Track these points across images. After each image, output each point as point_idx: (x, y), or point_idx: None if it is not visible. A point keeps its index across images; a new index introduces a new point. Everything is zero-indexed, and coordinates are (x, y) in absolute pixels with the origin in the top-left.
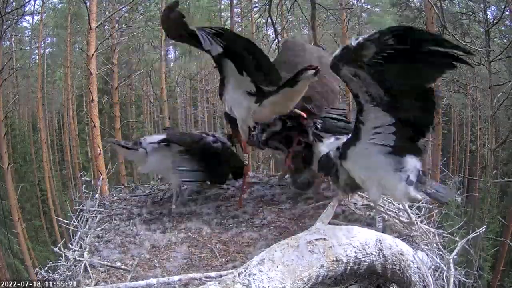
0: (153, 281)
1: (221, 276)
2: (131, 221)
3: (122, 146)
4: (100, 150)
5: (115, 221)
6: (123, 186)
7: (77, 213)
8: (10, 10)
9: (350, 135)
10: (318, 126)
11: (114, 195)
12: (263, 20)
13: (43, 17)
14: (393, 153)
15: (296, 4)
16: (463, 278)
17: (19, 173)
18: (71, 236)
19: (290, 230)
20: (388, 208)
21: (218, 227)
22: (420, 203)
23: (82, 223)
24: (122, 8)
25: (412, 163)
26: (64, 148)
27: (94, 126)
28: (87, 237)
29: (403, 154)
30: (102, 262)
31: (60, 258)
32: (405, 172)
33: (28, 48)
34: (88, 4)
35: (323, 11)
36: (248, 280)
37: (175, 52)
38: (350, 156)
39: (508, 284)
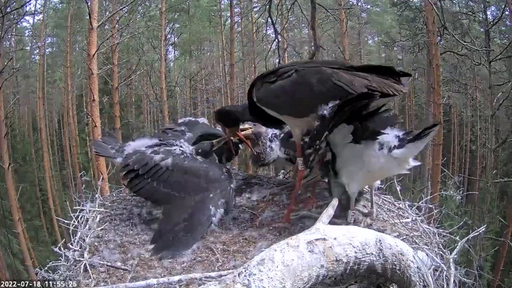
0: (153, 281)
1: (221, 276)
2: (131, 221)
3: (97, 153)
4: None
5: (115, 221)
6: (123, 186)
7: (77, 213)
8: (10, 10)
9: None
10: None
11: (114, 195)
12: (263, 20)
13: (43, 17)
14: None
15: (296, 4)
16: (463, 278)
17: (19, 173)
18: (71, 236)
19: (290, 230)
20: (388, 208)
21: (218, 227)
22: (420, 202)
23: (82, 223)
24: (122, 8)
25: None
26: (64, 148)
27: (95, 126)
28: (87, 237)
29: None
30: (102, 262)
31: (60, 258)
32: (387, 144)
33: (28, 48)
34: (89, 3)
35: (323, 11)
36: (248, 280)
37: (175, 52)
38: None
39: (508, 284)
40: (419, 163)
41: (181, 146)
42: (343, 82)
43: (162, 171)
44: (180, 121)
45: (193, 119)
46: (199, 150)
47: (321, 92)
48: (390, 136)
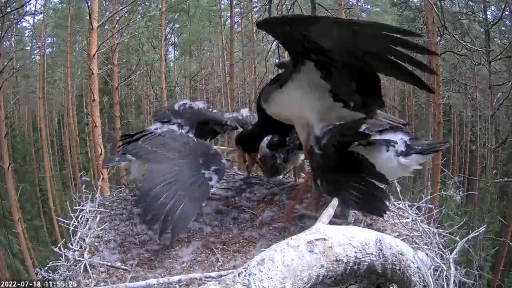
0: (153, 281)
1: (221, 276)
2: (131, 221)
3: (109, 165)
4: (101, 150)
5: (115, 221)
6: (124, 186)
7: (77, 213)
8: (10, 10)
9: None
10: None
11: (114, 195)
12: None
13: (44, 17)
14: None
15: (296, 4)
16: (463, 278)
17: (19, 173)
18: (71, 236)
19: (290, 230)
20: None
21: (218, 227)
22: (420, 203)
23: (82, 223)
24: (122, 8)
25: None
26: (64, 148)
27: (95, 126)
28: (87, 237)
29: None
30: (102, 262)
31: (60, 258)
32: (393, 149)
33: (28, 48)
34: (89, 3)
35: (323, 11)
36: (248, 280)
37: (175, 52)
38: None
39: (508, 284)
40: (421, 167)
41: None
42: None
43: (153, 136)
44: (176, 107)
45: (188, 105)
46: None
47: None
48: (396, 139)
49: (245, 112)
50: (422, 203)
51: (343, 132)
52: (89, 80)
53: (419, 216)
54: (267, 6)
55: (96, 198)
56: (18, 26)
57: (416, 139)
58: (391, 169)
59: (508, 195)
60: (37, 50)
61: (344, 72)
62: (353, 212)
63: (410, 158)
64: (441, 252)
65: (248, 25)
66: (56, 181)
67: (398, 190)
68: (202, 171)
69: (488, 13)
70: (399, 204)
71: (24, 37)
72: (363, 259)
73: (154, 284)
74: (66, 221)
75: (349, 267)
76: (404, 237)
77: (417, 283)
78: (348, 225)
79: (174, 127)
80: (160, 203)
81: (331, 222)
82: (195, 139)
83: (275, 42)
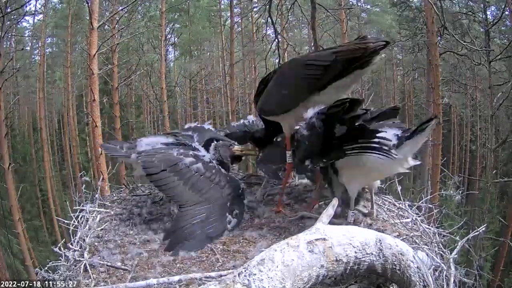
0: (153, 281)
1: (221, 276)
2: (131, 221)
3: (112, 155)
4: (101, 150)
5: (115, 221)
6: (124, 186)
7: (77, 213)
8: (10, 10)
9: None
10: None
11: (114, 195)
12: (263, 20)
13: (44, 17)
14: None
15: (296, 4)
16: (463, 278)
17: (19, 173)
18: (71, 236)
19: (290, 230)
20: (388, 208)
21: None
22: (420, 202)
23: (82, 223)
24: (122, 8)
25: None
26: (64, 148)
27: (96, 126)
28: (87, 237)
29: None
30: (102, 262)
31: (60, 258)
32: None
33: (28, 48)
34: (89, 4)
35: (323, 11)
36: (248, 280)
37: (175, 52)
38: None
39: (508, 284)
40: (418, 162)
41: (204, 155)
42: (311, 59)
43: (191, 174)
44: (186, 126)
45: (199, 125)
46: (219, 154)
47: (298, 75)
48: (389, 135)
49: (251, 118)
50: (422, 203)
51: (331, 105)
52: (89, 80)
53: (419, 216)
54: (267, 6)
55: (96, 198)
56: (18, 26)
57: (407, 130)
58: (386, 164)
59: (508, 195)
60: (37, 50)
61: None
62: (353, 212)
63: (402, 147)
64: (441, 252)
65: (248, 25)
66: (56, 181)
67: (399, 190)
68: (226, 214)
69: (488, 13)
70: (399, 204)
71: (24, 37)
72: (363, 259)
73: (154, 284)
74: (66, 221)
75: (349, 267)
76: (404, 237)
77: (417, 283)
78: (348, 225)
79: (206, 158)
80: (181, 235)
81: (331, 222)
82: (228, 175)
83: (275, 42)
